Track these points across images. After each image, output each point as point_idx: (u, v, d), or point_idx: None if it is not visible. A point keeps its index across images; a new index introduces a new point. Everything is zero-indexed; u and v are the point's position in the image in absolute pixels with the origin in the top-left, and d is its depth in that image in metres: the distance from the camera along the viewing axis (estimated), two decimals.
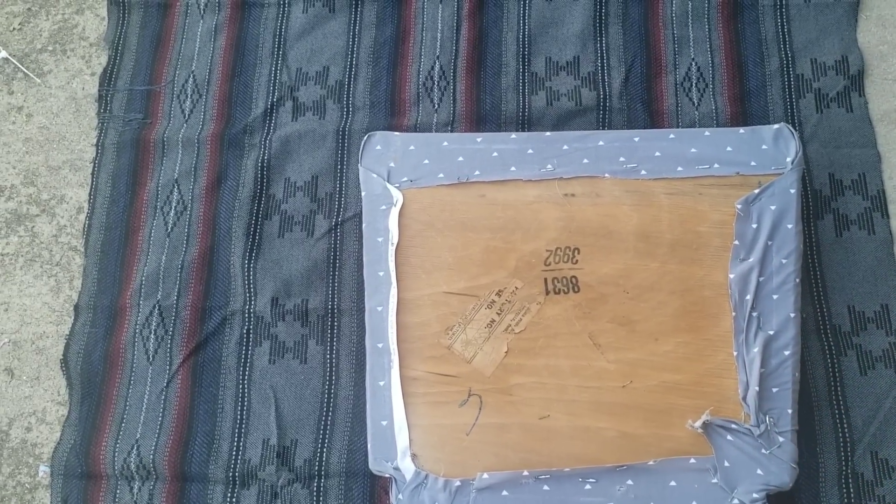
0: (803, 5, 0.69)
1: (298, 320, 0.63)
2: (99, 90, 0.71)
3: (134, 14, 0.73)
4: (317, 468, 0.60)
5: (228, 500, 0.60)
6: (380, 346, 0.58)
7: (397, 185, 0.60)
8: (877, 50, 0.69)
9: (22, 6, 0.74)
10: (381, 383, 0.57)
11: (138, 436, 0.61)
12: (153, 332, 0.64)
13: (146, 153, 0.69)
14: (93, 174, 0.69)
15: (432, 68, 0.69)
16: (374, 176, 0.61)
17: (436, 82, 0.69)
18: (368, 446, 0.56)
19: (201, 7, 0.73)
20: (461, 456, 0.55)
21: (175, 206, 0.67)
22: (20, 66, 0.72)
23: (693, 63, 0.68)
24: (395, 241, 0.59)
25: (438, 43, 0.70)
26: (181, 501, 0.60)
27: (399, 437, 0.55)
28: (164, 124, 0.70)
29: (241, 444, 0.61)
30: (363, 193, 0.61)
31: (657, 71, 0.69)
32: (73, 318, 0.65)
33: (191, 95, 0.70)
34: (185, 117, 0.70)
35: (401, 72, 0.70)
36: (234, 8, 0.72)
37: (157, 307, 0.64)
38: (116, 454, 0.60)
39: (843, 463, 0.57)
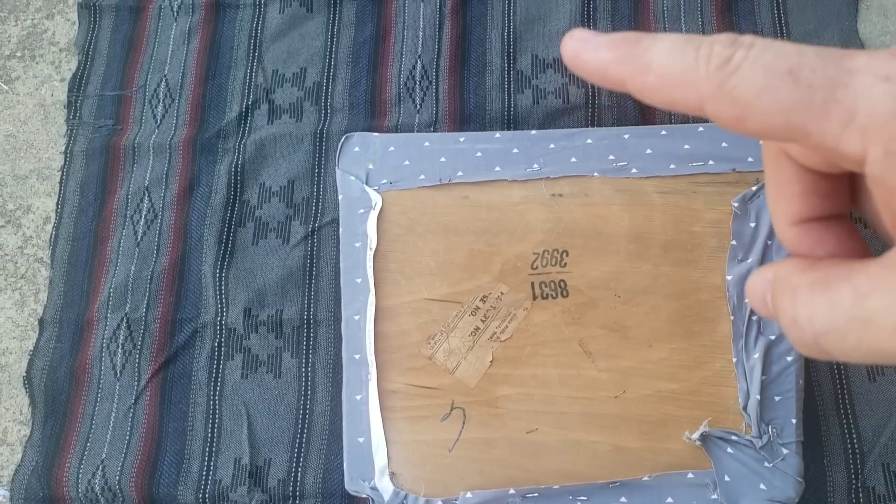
0: None
1: (272, 332, 0.60)
2: (68, 96, 0.68)
3: (105, 18, 0.70)
4: (291, 489, 0.56)
5: None
6: (357, 357, 0.54)
7: (376, 187, 0.57)
8: (878, 41, 0.65)
9: None
10: (358, 397, 0.54)
11: (104, 456, 0.57)
12: (121, 346, 0.60)
13: (116, 160, 0.66)
14: (61, 183, 0.66)
15: (414, 67, 0.66)
16: (352, 178, 0.58)
17: (417, 82, 0.65)
18: (344, 465, 0.52)
19: (174, 9, 0.70)
20: (443, 474, 0.51)
21: (145, 215, 0.64)
22: None
23: None
24: (374, 245, 0.56)
25: (420, 41, 0.67)
26: None
27: (377, 454, 0.52)
28: (134, 130, 0.67)
29: (212, 463, 0.57)
30: (340, 197, 0.58)
31: None
32: (37, 332, 0.62)
33: (163, 100, 0.67)
34: (156, 122, 0.67)
35: (381, 72, 0.66)
36: (209, 9, 0.69)
37: (125, 320, 0.61)
38: (81, 476, 0.57)
39: (853, 476, 0.53)
